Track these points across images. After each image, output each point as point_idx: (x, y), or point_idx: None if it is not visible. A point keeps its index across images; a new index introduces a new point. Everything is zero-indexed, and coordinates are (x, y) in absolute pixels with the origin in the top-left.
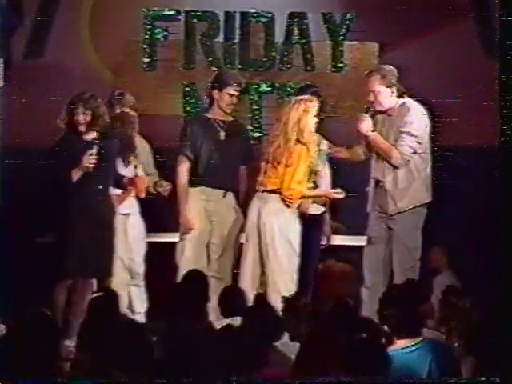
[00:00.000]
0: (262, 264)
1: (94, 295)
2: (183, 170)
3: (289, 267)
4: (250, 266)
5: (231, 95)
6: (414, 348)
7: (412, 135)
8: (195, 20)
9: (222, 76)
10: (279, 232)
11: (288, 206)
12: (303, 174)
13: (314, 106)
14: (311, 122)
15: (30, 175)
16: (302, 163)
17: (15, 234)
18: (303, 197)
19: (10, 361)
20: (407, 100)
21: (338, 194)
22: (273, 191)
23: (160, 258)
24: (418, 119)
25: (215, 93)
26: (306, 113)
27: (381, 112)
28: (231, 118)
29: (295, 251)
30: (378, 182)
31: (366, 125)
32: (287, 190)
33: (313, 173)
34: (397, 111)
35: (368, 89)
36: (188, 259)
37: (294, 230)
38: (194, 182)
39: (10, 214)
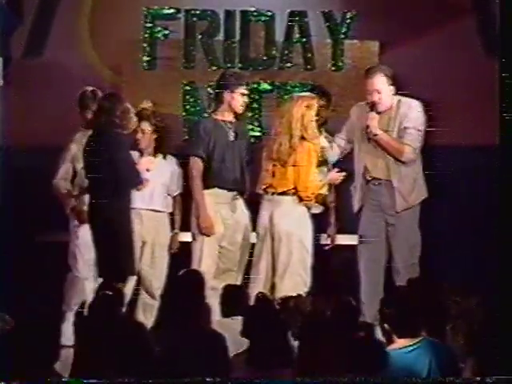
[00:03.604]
0: (274, 267)
1: (100, 293)
2: (198, 171)
3: (300, 268)
4: (264, 271)
5: (243, 95)
6: (413, 347)
7: (418, 130)
8: (195, 19)
9: (232, 76)
10: (292, 233)
11: (307, 204)
12: (314, 170)
13: (315, 102)
14: (314, 118)
15: (30, 175)
16: (313, 160)
17: (15, 234)
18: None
19: (9, 361)
20: (401, 97)
21: (341, 175)
22: (284, 193)
23: None
24: (420, 115)
25: (226, 94)
26: (308, 109)
27: (382, 111)
28: (234, 119)
29: (307, 251)
30: (371, 180)
31: (376, 123)
32: (306, 189)
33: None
34: (395, 109)
35: (372, 88)
36: (207, 264)
37: (306, 229)
38: (206, 183)
39: (10, 214)
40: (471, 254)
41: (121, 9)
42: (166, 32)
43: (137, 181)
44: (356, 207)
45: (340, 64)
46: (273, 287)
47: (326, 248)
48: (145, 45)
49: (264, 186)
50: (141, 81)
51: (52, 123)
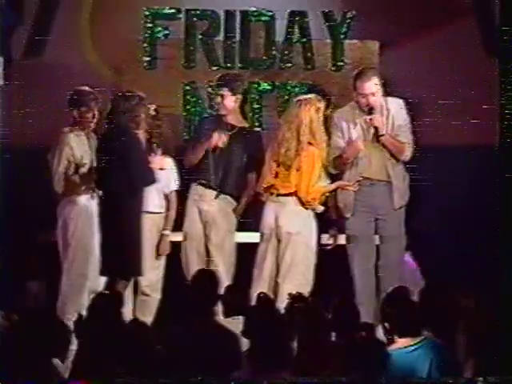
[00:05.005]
0: (278, 267)
1: (98, 294)
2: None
3: (304, 268)
4: (268, 271)
5: (217, 95)
6: (414, 347)
7: (409, 128)
8: (195, 19)
9: (222, 77)
10: (297, 234)
11: (307, 208)
12: (318, 175)
13: (323, 105)
14: (322, 122)
15: (30, 175)
16: (316, 165)
17: (15, 234)
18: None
19: (10, 361)
20: (386, 97)
21: (351, 185)
22: (287, 194)
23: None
24: (406, 113)
25: (217, 94)
26: (317, 113)
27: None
28: (246, 124)
29: (312, 251)
30: (361, 181)
31: (382, 123)
32: (307, 194)
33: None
34: (385, 108)
35: (369, 91)
36: (191, 258)
37: (311, 230)
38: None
39: (10, 214)
40: (471, 254)
41: (121, 9)
42: (167, 32)
43: (150, 180)
44: (348, 209)
45: (340, 64)
46: (275, 287)
47: (329, 247)
48: (145, 45)
49: (265, 186)
50: (141, 81)
51: (52, 123)
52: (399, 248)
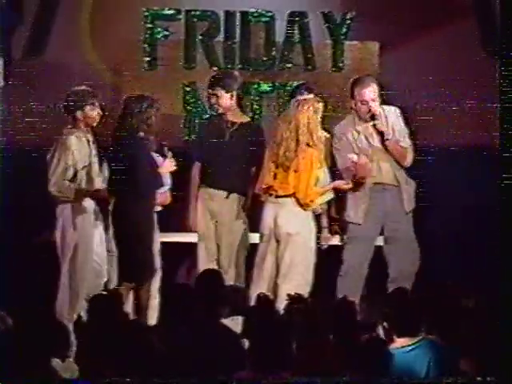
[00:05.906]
0: (278, 268)
1: (98, 294)
2: (195, 171)
3: (303, 269)
4: (267, 272)
5: (211, 95)
6: (412, 347)
7: (408, 134)
8: (195, 19)
9: (212, 77)
10: (297, 234)
11: (305, 210)
12: (316, 177)
13: (321, 106)
14: (319, 123)
15: (30, 175)
16: (314, 166)
17: (15, 233)
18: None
19: (10, 361)
20: (382, 106)
21: (347, 183)
22: (285, 195)
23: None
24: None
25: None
26: (315, 114)
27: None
28: (247, 119)
29: (311, 252)
30: (373, 187)
31: (386, 128)
32: (306, 196)
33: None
34: (383, 115)
35: (369, 98)
36: (201, 259)
37: (310, 230)
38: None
39: (10, 214)
40: (471, 254)
41: (121, 9)
42: (167, 33)
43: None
44: (361, 216)
45: (340, 65)
46: (275, 287)
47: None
48: (145, 45)
49: (264, 187)
50: (141, 81)
51: (52, 123)
52: (414, 255)
